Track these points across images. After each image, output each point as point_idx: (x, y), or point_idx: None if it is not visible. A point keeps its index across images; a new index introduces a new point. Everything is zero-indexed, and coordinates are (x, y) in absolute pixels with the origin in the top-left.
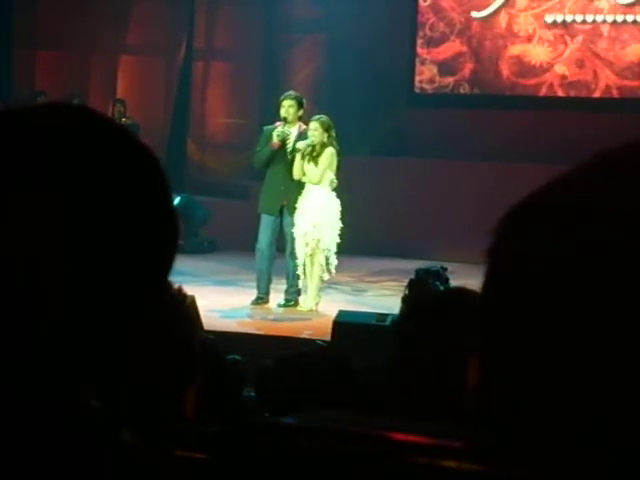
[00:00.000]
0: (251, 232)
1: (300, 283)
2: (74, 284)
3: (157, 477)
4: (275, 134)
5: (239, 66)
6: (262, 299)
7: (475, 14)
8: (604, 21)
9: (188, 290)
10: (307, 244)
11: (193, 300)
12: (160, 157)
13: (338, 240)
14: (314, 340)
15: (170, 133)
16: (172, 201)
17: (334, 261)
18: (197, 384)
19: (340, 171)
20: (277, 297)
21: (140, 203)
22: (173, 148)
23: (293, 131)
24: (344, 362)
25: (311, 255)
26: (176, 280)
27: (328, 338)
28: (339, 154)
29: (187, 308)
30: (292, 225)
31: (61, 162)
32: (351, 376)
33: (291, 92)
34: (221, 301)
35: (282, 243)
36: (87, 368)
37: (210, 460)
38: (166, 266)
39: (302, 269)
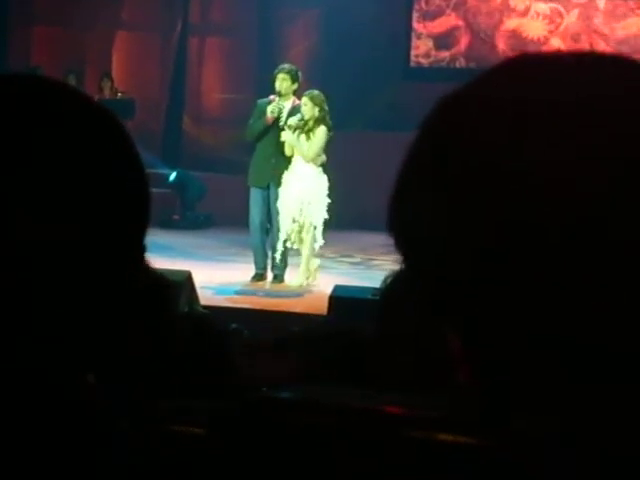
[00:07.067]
0: (247, 207)
1: (288, 258)
2: (49, 256)
3: (154, 452)
4: (269, 109)
5: (235, 41)
6: (260, 275)
7: None
8: None
9: (184, 265)
10: (295, 220)
11: (189, 275)
12: (156, 133)
13: (326, 216)
14: (308, 315)
15: (166, 109)
16: (141, 161)
17: (320, 237)
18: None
19: (329, 147)
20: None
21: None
22: (169, 123)
23: (287, 105)
24: (345, 339)
25: (299, 231)
26: (172, 255)
27: (320, 313)
28: (330, 130)
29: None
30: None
31: (20, 133)
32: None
33: (285, 65)
34: (217, 276)
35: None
36: (74, 342)
37: (209, 435)
38: (141, 230)
39: (286, 244)
